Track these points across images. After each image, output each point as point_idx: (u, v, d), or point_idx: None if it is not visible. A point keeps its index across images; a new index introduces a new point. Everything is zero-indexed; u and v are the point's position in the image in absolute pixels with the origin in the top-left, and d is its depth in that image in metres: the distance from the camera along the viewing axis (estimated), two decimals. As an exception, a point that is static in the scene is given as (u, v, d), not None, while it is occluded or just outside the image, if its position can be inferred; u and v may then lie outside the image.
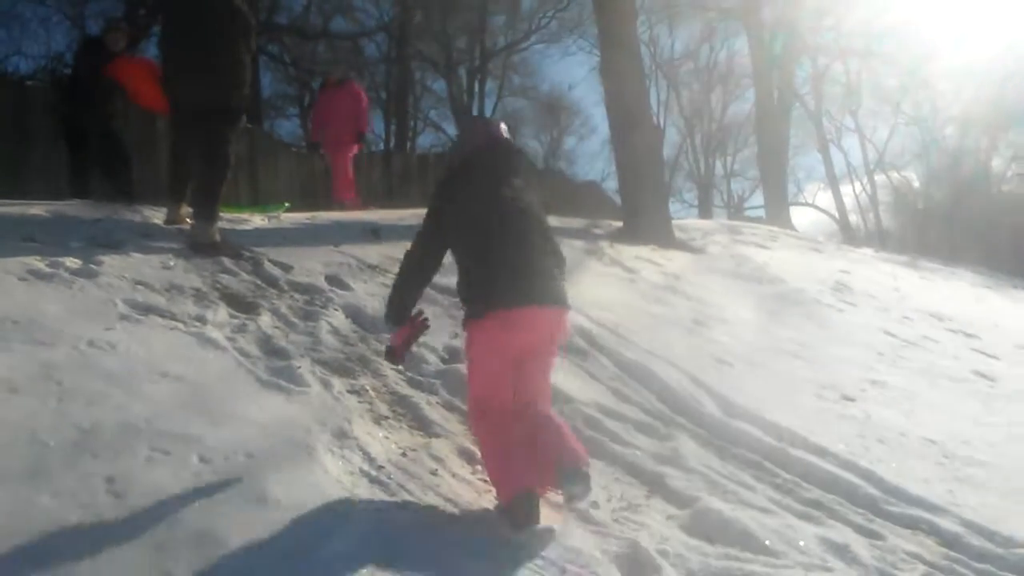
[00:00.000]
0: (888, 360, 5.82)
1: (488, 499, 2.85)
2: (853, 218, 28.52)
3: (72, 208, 5.01)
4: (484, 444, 2.90)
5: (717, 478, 3.38)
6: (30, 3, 15.38)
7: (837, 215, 27.10)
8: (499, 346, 2.87)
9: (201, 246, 4.62)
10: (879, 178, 30.06)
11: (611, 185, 24.95)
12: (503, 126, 3.21)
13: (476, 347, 2.93)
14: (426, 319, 3.09)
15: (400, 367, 3.50)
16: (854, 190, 29.97)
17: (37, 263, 3.82)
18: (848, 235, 24.67)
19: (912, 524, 3.22)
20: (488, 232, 2.91)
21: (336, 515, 2.46)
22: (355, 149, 8.51)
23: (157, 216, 5.33)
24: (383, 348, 3.15)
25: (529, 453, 2.77)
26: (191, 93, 4.68)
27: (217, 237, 4.77)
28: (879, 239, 25.44)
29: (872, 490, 3.45)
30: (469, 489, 2.94)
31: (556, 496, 2.81)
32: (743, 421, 4.00)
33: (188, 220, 4.99)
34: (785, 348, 5.56)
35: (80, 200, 5.45)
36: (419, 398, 3.60)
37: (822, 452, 3.76)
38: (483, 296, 2.85)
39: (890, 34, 21.60)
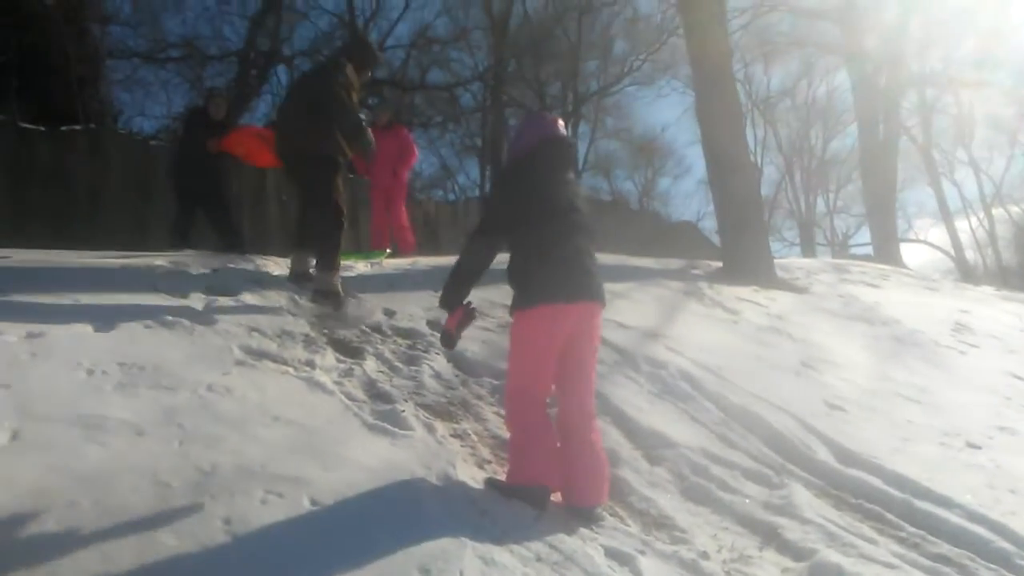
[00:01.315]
0: (1016, 405, 5.43)
1: (593, 546, 2.80)
2: (970, 255, 27.05)
3: (192, 259, 5.31)
4: (520, 433, 3.12)
5: (835, 530, 3.21)
6: (151, 67, 16.53)
7: (952, 252, 25.75)
8: (546, 335, 3.09)
9: (325, 294, 4.68)
10: (997, 212, 28.48)
11: (707, 225, 24.62)
12: (560, 121, 3.45)
13: (524, 335, 3.15)
14: (474, 308, 3.29)
15: (452, 350, 3.73)
16: (970, 225, 28.49)
17: (161, 311, 4.05)
18: (965, 273, 23.40)
19: (1050, 582, 2.97)
20: (542, 228, 3.15)
21: (442, 562, 2.46)
22: (402, 194, 8.05)
23: (268, 265, 5.58)
24: (440, 335, 3.35)
25: (555, 455, 3.07)
26: (293, 142, 4.82)
27: (339, 287, 4.81)
28: (1000, 276, 24.00)
29: (1004, 544, 3.21)
30: (572, 535, 2.89)
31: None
32: (860, 470, 3.81)
33: (310, 271, 5.16)
34: (902, 392, 5.28)
35: (196, 251, 5.78)
36: (521, 443, 3.58)
37: (948, 503, 3.52)
38: (536, 287, 3.10)
39: (1004, 62, 20.63)
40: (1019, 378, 6.11)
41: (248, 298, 4.66)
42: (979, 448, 4.41)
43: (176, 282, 4.67)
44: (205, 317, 4.10)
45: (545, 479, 3.04)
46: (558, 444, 3.12)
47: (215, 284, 4.80)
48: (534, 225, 3.16)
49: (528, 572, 2.54)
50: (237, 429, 3.01)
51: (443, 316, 4.97)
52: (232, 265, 5.37)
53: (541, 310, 3.08)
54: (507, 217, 3.22)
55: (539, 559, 2.65)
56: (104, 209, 8.51)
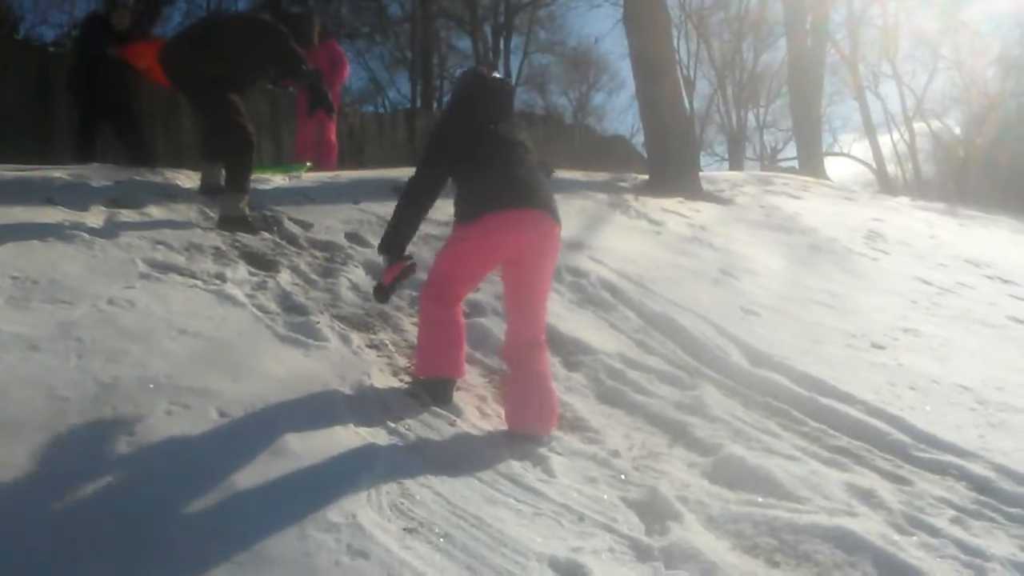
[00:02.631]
0: (922, 308, 5.68)
1: (507, 448, 2.84)
2: (891, 167, 27.81)
3: (93, 171, 5.03)
4: (428, 322, 3.10)
5: (742, 427, 3.32)
6: (55, -28, 15.35)
7: (874, 165, 26.44)
8: (487, 246, 3.02)
9: (229, 220, 4.47)
10: (918, 125, 29.20)
11: (640, 140, 24.60)
12: (496, 73, 3.44)
13: (462, 242, 3.05)
14: (414, 263, 3.19)
15: (385, 306, 3.63)
16: (892, 139, 29.17)
17: (58, 224, 3.85)
18: (886, 185, 24.07)
19: (942, 470, 3.13)
20: (483, 158, 3.07)
21: (352, 466, 2.46)
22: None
23: (179, 178, 5.35)
24: (372, 288, 3.27)
25: (459, 347, 3.09)
26: (174, 58, 4.60)
27: (247, 211, 4.60)
28: (918, 188, 24.81)
29: (901, 436, 3.37)
30: (487, 441, 2.92)
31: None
32: (770, 370, 3.93)
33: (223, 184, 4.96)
34: (815, 298, 5.45)
35: (100, 164, 5.48)
36: (439, 351, 3.57)
37: (850, 400, 3.68)
38: (477, 202, 2.99)
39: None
40: (925, 282, 6.38)
41: (154, 211, 4.47)
42: (883, 348, 4.61)
43: (75, 195, 4.42)
44: (106, 230, 3.91)
45: (445, 371, 3.07)
46: (463, 341, 3.17)
47: (118, 197, 4.57)
48: (479, 158, 3.08)
49: (442, 476, 2.56)
50: (140, 342, 2.92)
51: (362, 228, 4.94)
52: (138, 178, 5.11)
53: (487, 219, 2.96)
54: (450, 149, 3.14)
55: (453, 463, 2.67)
56: (0, 120, 8.01)
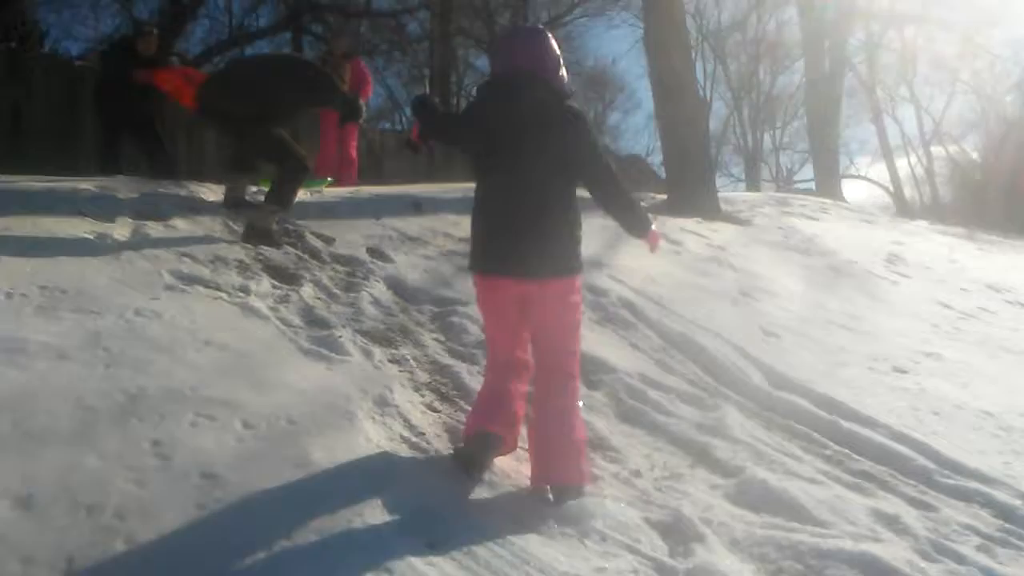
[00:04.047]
0: (943, 332, 5.64)
1: (527, 467, 2.83)
2: (908, 191, 27.65)
3: (119, 183, 5.10)
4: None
5: (764, 449, 3.30)
6: (79, -14, 15.56)
7: (891, 188, 26.31)
8: (484, 302, 2.87)
9: (256, 230, 4.51)
10: (936, 149, 29.04)
11: (656, 160, 24.61)
12: (538, 47, 2.77)
13: (477, 300, 2.92)
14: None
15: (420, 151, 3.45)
16: (909, 162, 28.98)
17: (86, 236, 3.90)
18: (903, 208, 23.95)
19: (967, 496, 3.10)
20: (485, 173, 2.81)
21: (376, 480, 2.46)
22: (354, 129, 7.90)
23: (203, 191, 5.40)
24: (407, 140, 3.27)
25: (490, 402, 2.82)
26: (226, 108, 4.74)
27: (275, 226, 4.66)
28: (936, 212, 24.65)
29: (925, 462, 3.34)
30: (509, 458, 2.91)
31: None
32: (791, 392, 3.91)
33: (246, 198, 5.09)
34: (835, 320, 5.42)
35: (126, 176, 5.54)
36: (460, 367, 3.59)
37: (873, 424, 3.65)
38: (472, 248, 2.84)
39: (948, -1, 20.78)
40: (947, 306, 6.33)
41: (179, 224, 4.51)
42: (905, 372, 4.57)
43: (102, 207, 4.48)
44: (133, 242, 3.97)
45: (471, 428, 2.77)
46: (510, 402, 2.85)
47: (144, 209, 4.62)
48: (479, 172, 2.82)
49: (462, 490, 2.57)
50: (166, 353, 2.95)
51: (384, 243, 4.99)
52: (163, 190, 5.18)
53: (476, 278, 2.83)
54: (466, 133, 2.91)
55: (471, 477, 2.67)
56: (27, 133, 8.12)
